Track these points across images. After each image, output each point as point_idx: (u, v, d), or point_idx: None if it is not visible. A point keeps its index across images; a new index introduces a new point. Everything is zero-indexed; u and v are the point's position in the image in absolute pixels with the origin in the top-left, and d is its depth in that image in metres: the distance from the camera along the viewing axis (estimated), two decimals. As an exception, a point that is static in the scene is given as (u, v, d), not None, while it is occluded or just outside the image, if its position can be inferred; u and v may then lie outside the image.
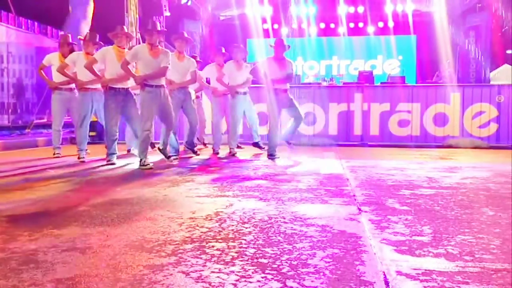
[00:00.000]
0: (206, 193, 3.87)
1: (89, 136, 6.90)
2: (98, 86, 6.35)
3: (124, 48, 5.94)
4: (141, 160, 5.50)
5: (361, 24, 17.80)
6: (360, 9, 17.12)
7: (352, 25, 17.78)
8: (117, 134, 6.03)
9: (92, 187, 4.23)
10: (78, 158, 6.28)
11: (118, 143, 6.14)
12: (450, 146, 8.67)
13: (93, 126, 8.08)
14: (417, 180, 4.59)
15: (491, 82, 11.43)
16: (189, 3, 14.86)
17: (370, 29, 17.58)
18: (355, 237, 2.53)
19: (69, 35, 6.96)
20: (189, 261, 2.12)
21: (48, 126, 12.87)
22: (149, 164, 5.47)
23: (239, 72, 7.13)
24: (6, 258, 2.17)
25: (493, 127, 8.90)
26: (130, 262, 2.10)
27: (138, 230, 2.67)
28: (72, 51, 6.75)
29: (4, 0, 11.50)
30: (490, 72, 12.94)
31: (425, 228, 2.72)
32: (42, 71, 7.01)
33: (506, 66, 14.09)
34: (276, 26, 17.74)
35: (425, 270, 2.01)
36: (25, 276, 1.93)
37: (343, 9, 16.97)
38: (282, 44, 6.62)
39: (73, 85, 6.80)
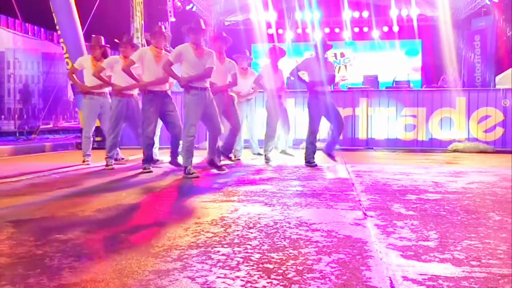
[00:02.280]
0: (212, 198, 3.87)
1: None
2: (135, 91, 6.09)
3: (162, 49, 5.68)
4: (185, 168, 5.15)
5: (366, 29, 17.83)
6: (365, 14, 17.17)
7: (357, 29, 17.82)
8: (153, 140, 5.70)
9: (99, 192, 4.24)
10: (106, 165, 5.96)
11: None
12: (456, 151, 8.65)
13: (100, 131, 7.85)
14: (423, 185, 4.57)
15: (497, 86, 11.39)
16: (194, 9, 14.96)
17: (375, 33, 17.59)
18: (361, 242, 2.52)
19: (102, 37, 6.55)
20: (194, 266, 2.13)
21: (54, 131, 12.96)
22: (194, 173, 5.13)
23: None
24: (12, 263, 2.18)
25: (499, 131, 8.88)
26: (136, 267, 2.10)
27: (144, 235, 2.68)
28: (104, 53, 6.46)
29: (11, 7, 11.61)
30: (496, 76, 12.89)
31: (431, 233, 2.71)
32: (73, 74, 6.62)
33: (511, 70, 14.03)
34: (280, 31, 17.83)
35: (431, 275, 2.00)
36: (32, 281, 1.94)
37: (347, 14, 17.02)
38: (324, 43, 6.25)
39: (105, 90, 6.50)
